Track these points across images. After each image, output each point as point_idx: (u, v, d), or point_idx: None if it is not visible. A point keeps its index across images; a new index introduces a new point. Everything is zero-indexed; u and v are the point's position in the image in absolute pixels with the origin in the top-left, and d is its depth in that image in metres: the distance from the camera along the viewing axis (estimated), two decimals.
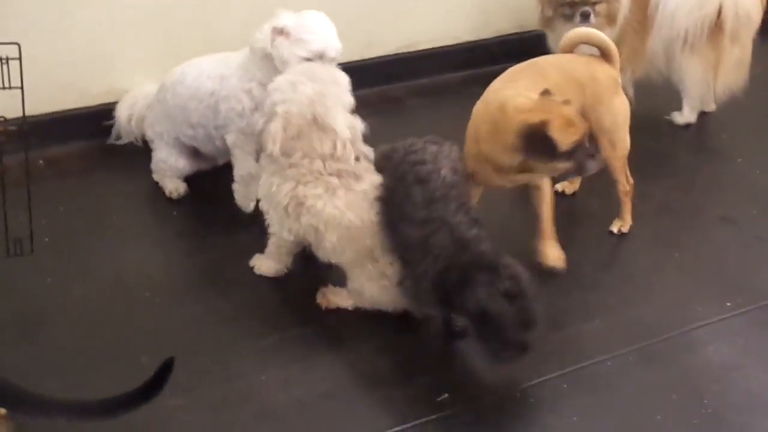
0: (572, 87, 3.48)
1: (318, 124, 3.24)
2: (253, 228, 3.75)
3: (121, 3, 4.20)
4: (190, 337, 3.26)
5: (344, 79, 3.42)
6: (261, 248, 3.57)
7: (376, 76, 4.87)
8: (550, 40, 4.63)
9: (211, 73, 3.80)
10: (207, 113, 3.83)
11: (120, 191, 4.08)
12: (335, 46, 3.59)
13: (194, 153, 4.05)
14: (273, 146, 3.23)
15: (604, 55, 3.61)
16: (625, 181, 3.76)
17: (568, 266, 3.51)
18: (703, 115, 4.79)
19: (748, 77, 4.62)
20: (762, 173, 4.36)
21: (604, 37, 3.64)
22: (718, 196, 4.20)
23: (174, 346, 3.14)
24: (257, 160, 3.57)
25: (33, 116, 3.39)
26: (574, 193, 4.08)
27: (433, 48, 5.05)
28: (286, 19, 3.57)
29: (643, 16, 4.52)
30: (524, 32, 5.22)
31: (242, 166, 3.84)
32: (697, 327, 3.40)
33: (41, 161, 4.05)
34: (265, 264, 3.57)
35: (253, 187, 3.78)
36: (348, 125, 3.31)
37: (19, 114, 3.26)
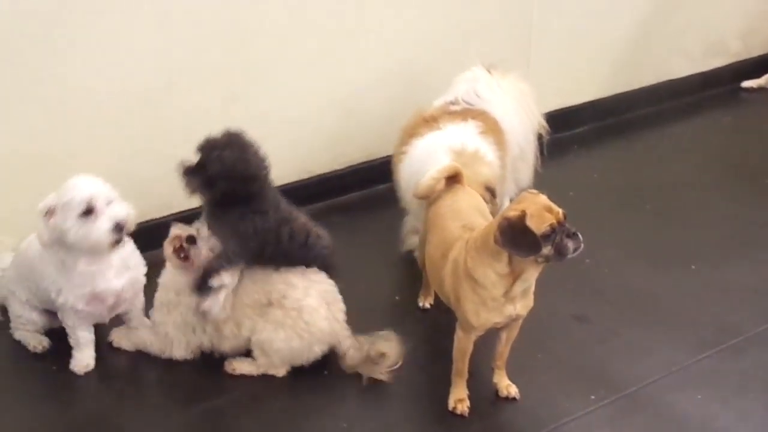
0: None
1: None
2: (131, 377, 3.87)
3: None
4: None
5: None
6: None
7: None
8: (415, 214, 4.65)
9: (38, 249, 3.80)
10: (39, 288, 3.87)
11: None
12: (100, 190, 3.58)
13: (50, 312, 4.04)
14: None
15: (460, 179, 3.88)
16: None
17: (444, 376, 3.65)
18: None
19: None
20: (610, 272, 4.59)
21: (454, 166, 3.92)
22: (570, 296, 4.38)
23: None
24: None
25: None
26: None
27: (290, 183, 5.13)
28: (47, 199, 3.61)
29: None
30: (373, 160, 5.43)
31: (74, 337, 3.92)
32: (567, 421, 3.56)
33: None
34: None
35: (90, 351, 3.93)
36: None
37: None
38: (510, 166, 4.72)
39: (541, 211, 3.27)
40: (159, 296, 3.92)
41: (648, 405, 3.67)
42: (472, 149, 4.31)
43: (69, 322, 3.87)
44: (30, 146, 4.31)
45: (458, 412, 3.58)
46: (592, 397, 3.70)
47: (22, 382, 3.97)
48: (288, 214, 3.84)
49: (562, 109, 5.98)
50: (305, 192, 5.19)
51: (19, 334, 4.10)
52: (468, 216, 3.68)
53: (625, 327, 4.16)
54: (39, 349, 4.05)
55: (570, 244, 3.32)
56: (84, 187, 3.57)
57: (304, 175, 5.28)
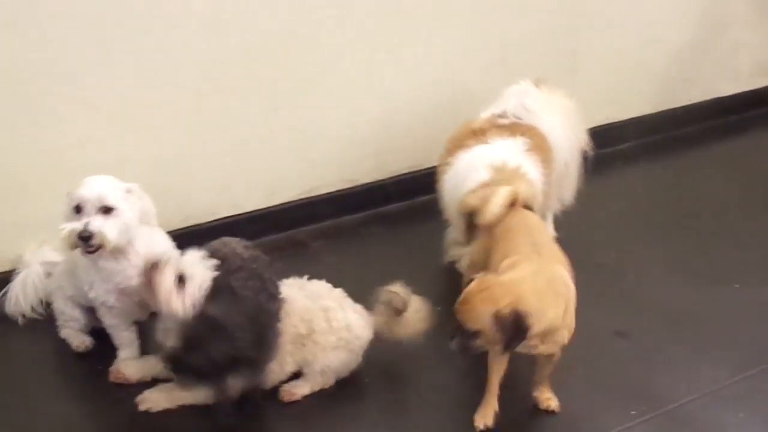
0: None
1: None
2: None
3: (20, 168, 4.29)
4: None
5: None
6: None
7: (280, 222, 5.03)
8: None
9: None
10: (83, 283, 3.90)
11: (43, 349, 4.14)
12: (96, 194, 3.56)
13: (93, 310, 4.06)
14: None
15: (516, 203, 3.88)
16: None
17: (479, 385, 3.64)
18: (591, 236, 5.04)
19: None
20: (652, 288, 4.57)
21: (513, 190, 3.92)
22: (612, 312, 4.36)
23: None
24: None
25: None
26: None
27: (332, 192, 5.22)
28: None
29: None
30: (416, 171, 5.44)
31: (114, 337, 3.97)
32: None
33: None
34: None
35: (133, 353, 3.96)
36: None
37: None
38: (555, 183, 4.72)
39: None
40: None
41: (688, 422, 3.66)
42: (514, 166, 4.31)
43: (106, 320, 3.90)
44: (77, 153, 4.35)
45: (480, 427, 3.57)
46: (633, 412, 3.69)
47: (67, 381, 4.02)
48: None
49: (606, 125, 5.98)
50: (347, 201, 5.25)
51: (64, 332, 4.15)
52: (536, 235, 3.72)
53: (667, 344, 4.14)
54: (81, 348, 4.10)
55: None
56: (84, 187, 3.59)
57: (347, 185, 5.29)
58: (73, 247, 3.58)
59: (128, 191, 3.67)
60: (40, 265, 4.32)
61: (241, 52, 4.66)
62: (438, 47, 5.30)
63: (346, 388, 3.83)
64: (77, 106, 4.31)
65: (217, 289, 3.41)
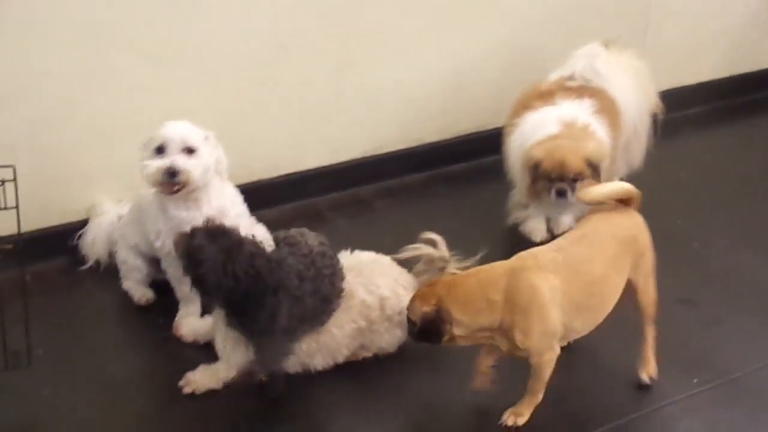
0: (626, 248, 3.46)
1: None
2: None
3: (97, 122, 4.34)
4: None
5: None
6: None
7: (344, 179, 5.04)
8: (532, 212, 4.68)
9: (148, 197, 3.93)
10: (149, 233, 3.95)
11: (106, 301, 4.20)
12: (180, 134, 3.67)
13: (157, 262, 4.11)
14: None
15: (632, 201, 3.53)
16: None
17: None
18: (657, 202, 4.98)
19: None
20: (718, 256, 4.53)
21: (629, 186, 3.54)
22: (677, 279, 4.30)
23: None
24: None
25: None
26: None
27: (397, 150, 5.22)
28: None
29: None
30: (482, 132, 5.41)
31: (177, 290, 3.99)
32: (668, 404, 3.55)
33: (28, 277, 4.15)
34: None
35: (196, 309, 3.95)
36: None
37: (9, 232, 3.38)
38: (623, 146, 4.68)
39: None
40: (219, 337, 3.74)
41: (751, 391, 3.63)
42: (582, 123, 4.32)
43: (170, 271, 3.93)
44: (148, 104, 4.39)
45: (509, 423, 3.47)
46: (695, 380, 3.67)
47: (130, 333, 4.08)
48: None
49: (676, 89, 5.89)
50: (413, 160, 5.25)
51: (126, 284, 4.20)
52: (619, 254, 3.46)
53: (732, 313, 4.10)
54: (143, 301, 4.14)
55: None
56: (168, 128, 3.68)
57: (413, 143, 5.28)
58: (158, 184, 3.66)
59: (206, 138, 3.74)
60: (113, 214, 4.37)
61: (314, 9, 4.66)
62: (508, 7, 5.27)
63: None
64: (148, 59, 4.35)
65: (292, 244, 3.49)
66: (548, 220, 4.71)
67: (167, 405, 3.57)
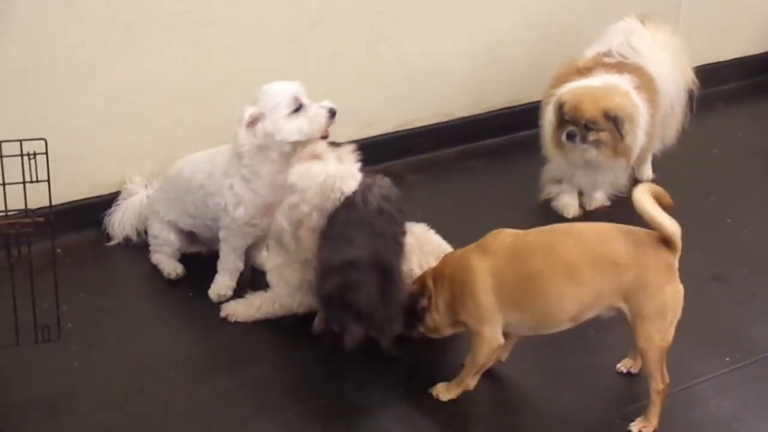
0: (598, 267, 3.16)
1: None
2: None
3: (126, 95, 4.34)
4: (215, 413, 3.38)
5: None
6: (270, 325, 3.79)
7: (376, 153, 4.94)
8: (556, 164, 4.66)
9: (201, 168, 3.94)
10: (200, 206, 3.97)
11: (135, 275, 4.22)
12: (301, 88, 3.73)
13: (190, 235, 4.16)
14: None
15: (663, 236, 3.13)
16: (659, 379, 3.22)
17: (574, 329, 3.59)
18: (690, 178, 4.97)
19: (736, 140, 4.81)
20: (751, 233, 4.50)
21: (665, 218, 3.12)
22: (709, 256, 4.28)
23: (201, 422, 3.32)
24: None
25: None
26: None
27: (428, 125, 5.20)
28: (249, 110, 3.71)
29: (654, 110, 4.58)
30: (515, 107, 5.39)
31: (226, 260, 3.98)
32: (699, 382, 3.53)
33: (59, 250, 4.16)
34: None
35: (231, 282, 3.98)
36: None
37: (39, 205, 3.39)
38: (659, 123, 4.65)
39: None
40: (270, 260, 3.85)
41: None
42: (622, 88, 4.37)
43: (230, 242, 3.92)
44: (177, 78, 4.41)
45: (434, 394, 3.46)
46: (726, 359, 3.65)
47: (160, 307, 4.09)
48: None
49: (709, 64, 5.83)
50: (444, 135, 5.23)
51: (156, 257, 4.21)
52: (576, 264, 3.19)
53: (764, 290, 4.08)
54: (173, 275, 4.14)
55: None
56: (288, 88, 3.72)
57: (444, 118, 5.27)
58: (325, 127, 3.76)
59: None
60: (142, 194, 4.37)
61: None
62: None
63: None
64: (178, 32, 4.35)
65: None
66: (581, 196, 4.68)
67: (197, 379, 3.58)
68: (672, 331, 3.19)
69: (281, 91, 3.70)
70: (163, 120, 4.30)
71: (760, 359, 3.66)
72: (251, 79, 4.46)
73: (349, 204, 3.51)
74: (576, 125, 4.32)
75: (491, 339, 3.27)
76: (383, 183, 3.63)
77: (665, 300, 3.15)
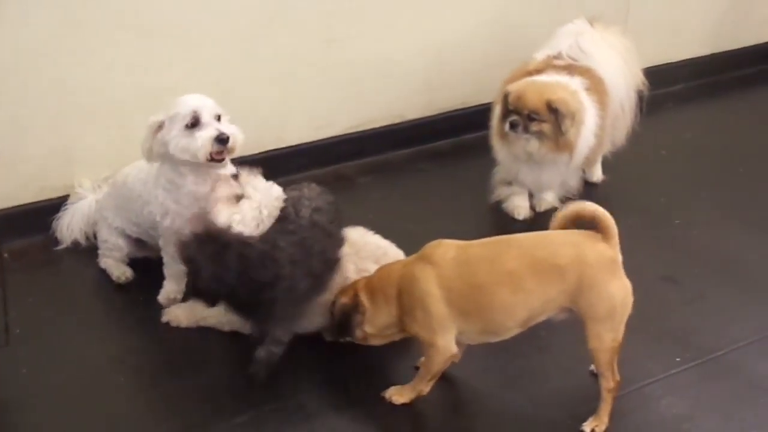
0: (541, 273, 3.16)
1: None
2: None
3: (76, 97, 4.30)
4: (166, 418, 3.36)
5: None
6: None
7: (326, 156, 5.02)
8: (501, 159, 4.63)
9: (141, 177, 3.89)
10: (140, 215, 3.92)
11: (84, 279, 4.18)
12: (207, 104, 3.62)
13: (138, 241, 4.13)
14: None
15: (602, 231, 3.16)
16: (610, 377, 3.25)
17: (526, 330, 3.60)
18: (640, 179, 5.00)
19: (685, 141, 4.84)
20: (700, 233, 4.52)
21: (600, 211, 3.17)
22: (659, 256, 4.32)
23: (152, 427, 3.30)
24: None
25: None
26: None
27: (380, 127, 5.20)
28: (157, 116, 3.64)
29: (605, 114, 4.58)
30: (466, 108, 5.40)
31: (170, 266, 3.95)
32: (650, 382, 3.54)
33: (6, 254, 4.13)
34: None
35: (179, 286, 3.95)
36: None
37: None
38: (609, 125, 4.67)
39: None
40: None
41: (734, 370, 3.63)
42: (563, 81, 4.39)
43: (169, 249, 3.87)
44: (127, 80, 4.38)
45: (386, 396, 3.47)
46: (677, 359, 3.67)
47: (109, 311, 4.05)
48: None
49: (658, 66, 5.87)
50: (396, 136, 5.24)
51: (104, 262, 4.18)
52: (519, 272, 3.19)
53: (714, 290, 4.10)
54: (122, 279, 4.12)
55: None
56: (192, 101, 3.61)
57: (396, 120, 5.27)
58: (207, 157, 3.57)
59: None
60: (90, 199, 4.34)
61: None
62: None
63: None
64: (128, 33, 4.31)
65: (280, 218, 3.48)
66: (532, 198, 4.70)
67: (147, 384, 3.56)
68: (622, 329, 3.21)
69: (184, 103, 3.60)
70: (113, 123, 4.26)
71: (710, 359, 3.67)
72: (204, 81, 4.48)
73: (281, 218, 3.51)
74: (519, 115, 4.33)
75: (445, 349, 3.27)
76: (312, 193, 3.61)
77: (612, 297, 3.16)
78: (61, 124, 4.31)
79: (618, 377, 3.25)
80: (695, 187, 4.97)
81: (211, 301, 3.38)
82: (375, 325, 3.36)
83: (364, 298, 3.34)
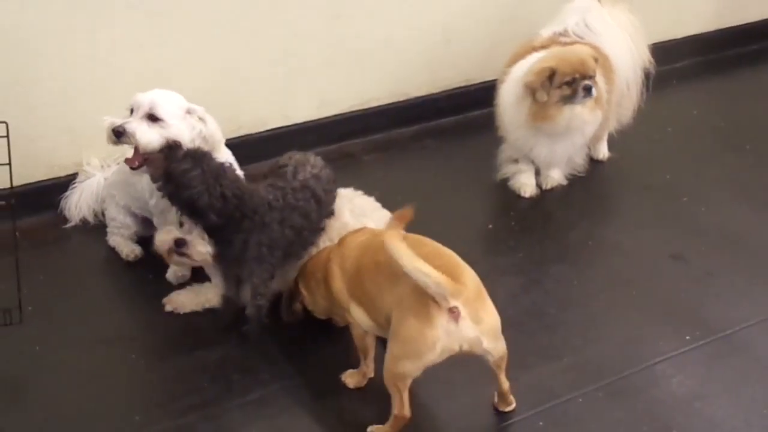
0: (391, 273, 3.01)
1: None
2: None
3: (84, 76, 4.30)
4: (177, 395, 3.37)
5: None
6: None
7: (331, 133, 5.00)
8: (542, 137, 4.49)
9: None
10: (138, 192, 3.94)
11: (94, 257, 4.18)
12: (152, 100, 3.55)
13: (146, 219, 4.10)
14: None
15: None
16: (397, 404, 3.09)
17: (533, 308, 3.61)
18: (646, 157, 5.00)
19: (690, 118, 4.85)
20: (707, 210, 4.52)
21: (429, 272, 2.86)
22: (666, 234, 4.32)
23: (163, 404, 3.31)
24: None
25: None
26: None
27: (384, 105, 5.18)
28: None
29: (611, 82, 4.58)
30: (470, 86, 5.38)
31: None
32: (660, 361, 3.55)
33: (17, 232, 4.12)
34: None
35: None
36: None
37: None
38: (615, 103, 4.66)
39: None
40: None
41: (744, 348, 3.64)
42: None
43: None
44: (130, 59, 4.36)
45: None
46: (687, 337, 3.68)
47: (120, 289, 4.05)
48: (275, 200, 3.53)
49: (663, 42, 5.84)
50: (400, 114, 5.22)
51: (113, 240, 4.19)
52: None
53: (722, 268, 4.10)
54: (131, 257, 4.12)
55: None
56: (140, 96, 3.59)
57: (401, 97, 5.24)
58: (111, 142, 3.58)
59: (188, 111, 3.63)
60: (99, 177, 4.35)
61: None
62: None
63: None
64: (136, 12, 4.28)
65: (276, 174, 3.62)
66: (538, 176, 4.70)
67: (159, 361, 3.57)
68: (405, 366, 2.99)
69: (135, 97, 3.60)
70: (121, 101, 4.24)
71: (720, 337, 3.68)
72: (209, 59, 4.47)
73: (278, 175, 3.61)
74: (586, 78, 4.25)
75: (354, 322, 3.31)
76: (316, 162, 3.71)
77: (400, 326, 3.00)
78: (69, 103, 4.30)
79: (406, 412, 3.08)
80: (701, 164, 4.96)
81: (200, 217, 3.34)
82: (316, 308, 3.50)
83: (301, 285, 3.47)
